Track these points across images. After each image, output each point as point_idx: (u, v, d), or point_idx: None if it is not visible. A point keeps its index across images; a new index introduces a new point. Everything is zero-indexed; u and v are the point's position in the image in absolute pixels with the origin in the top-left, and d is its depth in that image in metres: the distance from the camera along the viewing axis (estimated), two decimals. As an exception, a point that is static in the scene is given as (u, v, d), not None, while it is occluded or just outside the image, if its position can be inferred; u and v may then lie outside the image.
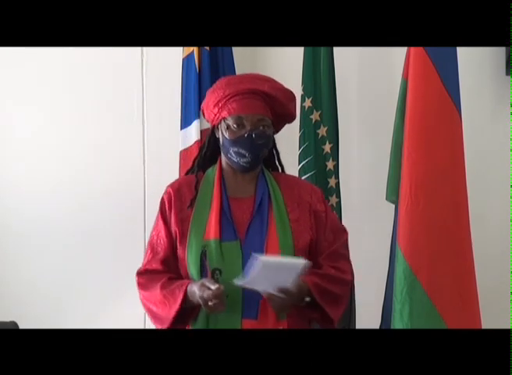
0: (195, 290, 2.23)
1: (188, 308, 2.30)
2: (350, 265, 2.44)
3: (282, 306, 2.24)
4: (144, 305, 2.38)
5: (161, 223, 2.39)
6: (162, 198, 2.42)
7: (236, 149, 2.33)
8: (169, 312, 2.30)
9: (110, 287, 3.43)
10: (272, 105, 2.36)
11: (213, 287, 2.18)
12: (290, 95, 2.42)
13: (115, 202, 3.47)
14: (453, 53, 2.91)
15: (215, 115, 2.38)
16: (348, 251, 2.46)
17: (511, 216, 3.38)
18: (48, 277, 3.48)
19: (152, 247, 2.40)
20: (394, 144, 3.05)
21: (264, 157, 2.42)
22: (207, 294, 2.18)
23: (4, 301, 3.39)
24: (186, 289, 2.27)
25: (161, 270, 2.36)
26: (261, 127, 2.34)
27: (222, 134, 2.37)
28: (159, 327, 2.35)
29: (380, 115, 3.44)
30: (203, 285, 2.21)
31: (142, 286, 2.38)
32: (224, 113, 2.35)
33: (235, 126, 2.33)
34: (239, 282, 2.19)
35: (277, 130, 2.45)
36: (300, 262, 2.19)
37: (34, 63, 3.45)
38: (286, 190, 2.41)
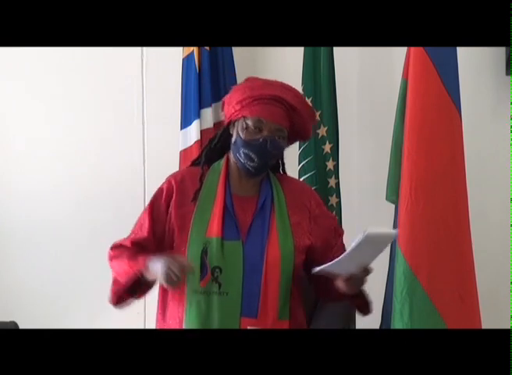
0: (160, 259, 2.21)
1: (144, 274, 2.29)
2: None
3: (360, 284, 2.26)
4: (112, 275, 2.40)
5: (147, 212, 2.38)
6: (161, 188, 2.39)
7: (246, 151, 2.32)
8: (129, 271, 2.31)
9: (110, 287, 3.42)
10: (293, 118, 2.34)
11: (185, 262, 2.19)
12: (313, 113, 2.45)
13: (115, 202, 3.47)
14: (453, 53, 2.91)
15: (236, 111, 2.35)
16: None
17: (511, 216, 3.38)
18: (47, 277, 3.48)
19: (134, 230, 2.41)
20: (394, 144, 3.05)
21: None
22: (176, 264, 2.16)
23: (4, 301, 3.40)
24: (149, 257, 2.26)
25: (132, 248, 2.37)
26: (277, 137, 2.33)
27: (237, 133, 2.35)
28: (114, 290, 2.38)
29: (380, 115, 3.44)
30: (173, 258, 2.20)
31: (112, 257, 2.41)
32: (245, 112, 2.33)
33: (253, 128, 2.32)
34: (318, 268, 2.19)
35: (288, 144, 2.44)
36: (394, 232, 2.22)
37: (34, 63, 3.45)
38: (288, 193, 2.41)
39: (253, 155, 2.32)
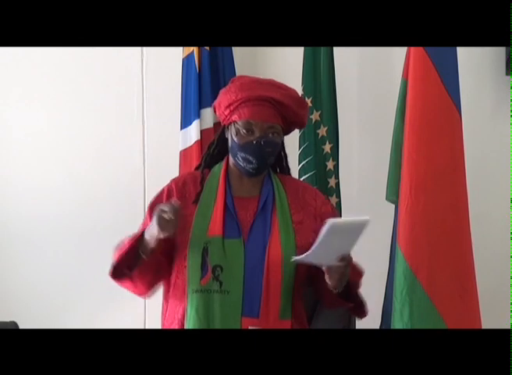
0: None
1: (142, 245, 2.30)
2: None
3: (341, 276, 2.22)
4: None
5: (150, 213, 2.35)
6: (162, 189, 2.41)
7: (243, 154, 2.34)
8: (127, 243, 2.32)
9: (110, 287, 3.41)
10: (284, 112, 2.34)
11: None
12: (303, 103, 2.43)
13: (115, 202, 3.47)
14: (453, 53, 2.91)
15: (226, 116, 2.38)
16: None
17: (511, 216, 3.38)
18: (47, 277, 3.48)
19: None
20: (394, 144, 3.05)
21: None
22: (166, 205, 2.18)
23: (4, 301, 3.39)
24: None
25: None
26: (271, 135, 2.33)
27: (231, 137, 2.37)
28: (114, 261, 2.40)
29: (380, 115, 3.44)
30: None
31: (114, 252, 2.41)
32: (235, 117, 2.35)
33: (244, 131, 2.33)
34: (297, 258, 2.18)
35: (285, 134, 2.45)
36: (365, 219, 2.18)
37: (34, 63, 3.45)
38: (291, 192, 2.42)
39: (250, 158, 2.33)
